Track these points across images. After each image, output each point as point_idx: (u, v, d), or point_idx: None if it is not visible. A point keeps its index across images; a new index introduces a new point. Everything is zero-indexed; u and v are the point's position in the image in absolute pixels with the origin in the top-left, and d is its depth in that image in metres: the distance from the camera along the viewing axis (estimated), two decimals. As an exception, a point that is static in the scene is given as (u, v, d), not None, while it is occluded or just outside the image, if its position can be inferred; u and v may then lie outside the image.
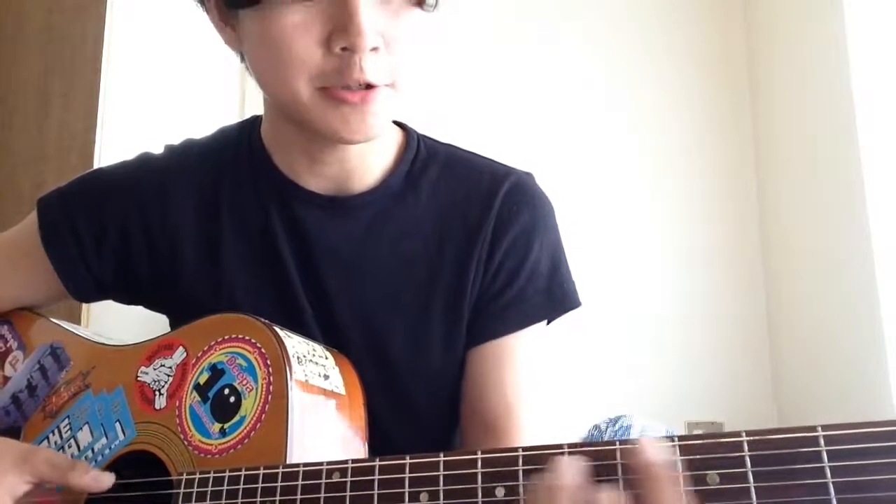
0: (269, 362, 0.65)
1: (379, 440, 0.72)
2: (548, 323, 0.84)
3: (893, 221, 1.91)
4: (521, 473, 0.48)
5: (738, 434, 0.45)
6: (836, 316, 2.08)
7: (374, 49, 0.66)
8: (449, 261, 0.80)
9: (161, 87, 1.83)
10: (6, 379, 0.83)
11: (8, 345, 0.86)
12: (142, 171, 0.84)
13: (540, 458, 0.48)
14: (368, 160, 0.81)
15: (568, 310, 0.83)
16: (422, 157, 0.84)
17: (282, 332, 0.68)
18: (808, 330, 2.23)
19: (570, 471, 0.47)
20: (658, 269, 2.49)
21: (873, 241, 1.91)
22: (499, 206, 0.81)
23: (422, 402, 0.81)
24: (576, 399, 2.18)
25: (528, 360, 0.80)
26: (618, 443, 0.46)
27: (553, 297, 0.81)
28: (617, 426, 1.77)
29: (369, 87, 0.68)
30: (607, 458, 0.46)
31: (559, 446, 0.47)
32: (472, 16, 2.58)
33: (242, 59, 0.81)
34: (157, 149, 0.88)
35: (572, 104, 2.59)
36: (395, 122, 0.87)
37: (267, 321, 0.69)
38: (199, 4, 0.78)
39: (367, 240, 0.80)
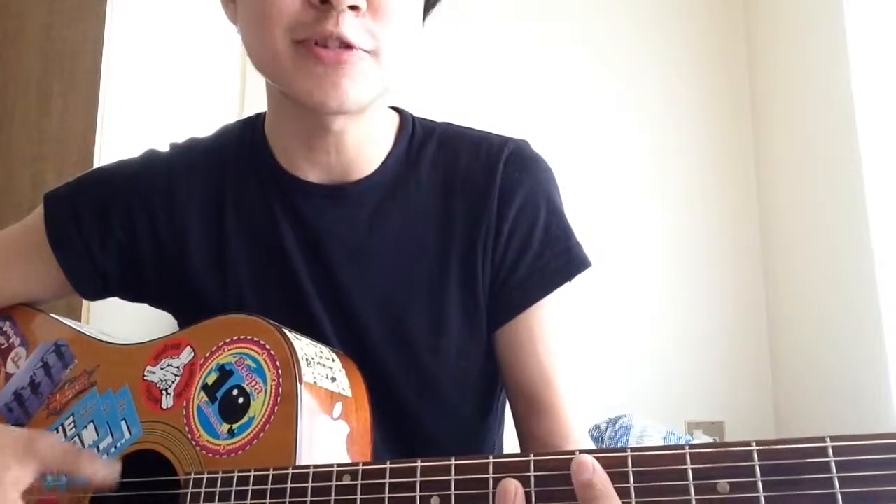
0: (278, 364, 0.65)
1: (410, 425, 0.73)
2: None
3: (893, 221, 1.91)
4: (532, 479, 0.48)
5: (748, 444, 0.46)
6: (836, 316, 2.08)
7: (355, 8, 0.66)
8: (458, 235, 0.80)
9: (161, 86, 1.83)
10: (8, 376, 0.82)
11: (10, 341, 0.85)
12: (148, 169, 0.84)
13: (550, 464, 0.49)
14: (366, 150, 0.80)
15: (584, 269, 0.82)
16: (418, 137, 0.84)
17: (290, 335, 0.68)
18: (808, 330, 2.23)
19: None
20: (658, 269, 2.49)
21: (873, 241, 1.91)
22: (500, 176, 0.80)
23: (446, 383, 0.80)
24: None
25: (557, 326, 0.80)
26: (629, 450, 0.46)
27: (569, 257, 0.81)
28: (617, 426, 1.77)
29: (347, 47, 0.67)
30: (619, 465, 0.46)
31: (570, 452, 0.47)
32: (472, 16, 2.58)
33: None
34: (163, 147, 0.88)
35: (572, 104, 2.59)
36: (391, 107, 0.87)
37: (276, 323, 0.69)
38: None
39: (373, 225, 0.80)
